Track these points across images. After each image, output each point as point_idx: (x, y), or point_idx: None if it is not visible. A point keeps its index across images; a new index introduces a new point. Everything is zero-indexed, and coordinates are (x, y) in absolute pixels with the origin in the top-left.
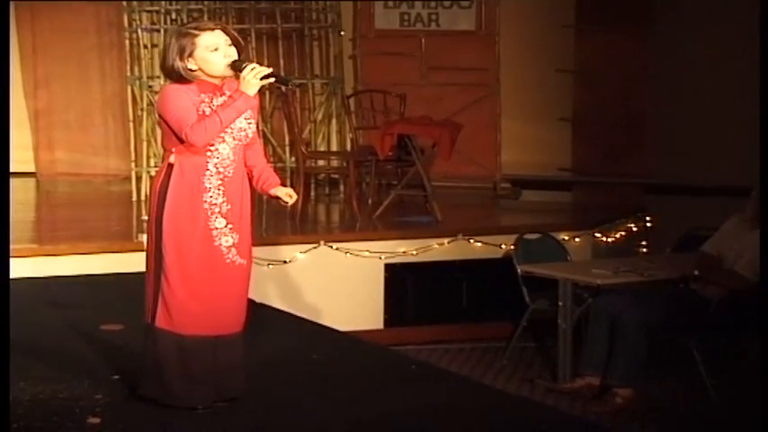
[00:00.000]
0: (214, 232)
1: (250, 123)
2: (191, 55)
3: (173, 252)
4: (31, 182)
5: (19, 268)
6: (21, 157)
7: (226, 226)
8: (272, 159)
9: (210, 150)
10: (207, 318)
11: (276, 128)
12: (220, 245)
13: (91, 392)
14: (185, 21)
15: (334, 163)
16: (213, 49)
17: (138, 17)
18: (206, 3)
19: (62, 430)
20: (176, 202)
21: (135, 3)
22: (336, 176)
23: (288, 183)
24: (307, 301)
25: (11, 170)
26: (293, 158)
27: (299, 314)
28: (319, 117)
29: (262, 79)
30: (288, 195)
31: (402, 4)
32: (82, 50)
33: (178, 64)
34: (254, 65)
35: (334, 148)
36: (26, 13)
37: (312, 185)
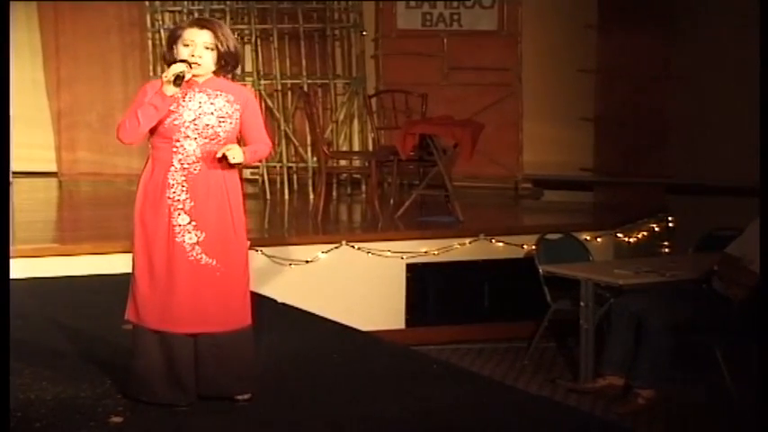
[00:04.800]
0: (176, 228)
1: (222, 122)
2: (175, 45)
3: (138, 245)
4: (53, 182)
5: (41, 267)
6: (43, 156)
7: (189, 223)
8: (293, 159)
9: (176, 146)
10: (171, 314)
11: (298, 128)
12: (183, 242)
13: (113, 392)
14: None
15: (356, 163)
16: (186, 45)
17: (160, 17)
18: (228, 3)
19: (84, 429)
20: (143, 196)
21: (157, 3)
22: (358, 176)
23: (309, 182)
24: (328, 301)
25: (33, 170)
26: (315, 158)
27: (320, 313)
28: (341, 117)
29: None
30: (229, 151)
31: (424, 4)
32: (104, 51)
33: (165, 51)
34: (177, 65)
35: (355, 148)
36: (49, 13)
37: (334, 185)
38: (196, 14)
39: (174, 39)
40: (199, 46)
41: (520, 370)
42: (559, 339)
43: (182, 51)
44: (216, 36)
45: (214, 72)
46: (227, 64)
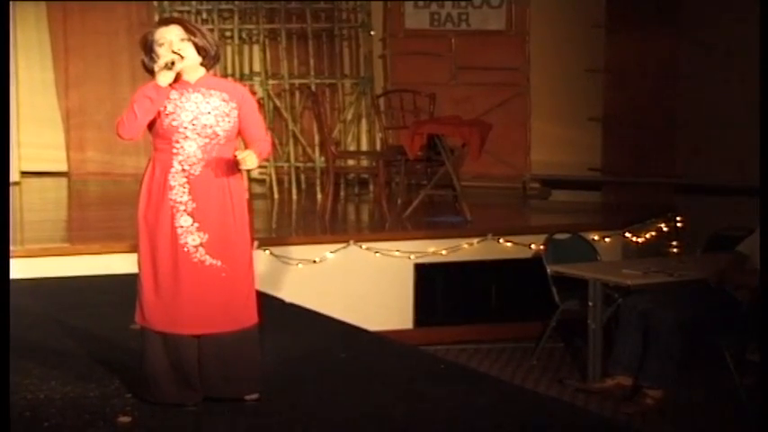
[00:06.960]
0: (179, 230)
1: (220, 121)
2: (152, 50)
3: (142, 247)
4: (63, 181)
5: (50, 267)
6: (53, 156)
7: (192, 225)
8: (301, 159)
9: (176, 148)
10: (176, 316)
11: (306, 128)
12: (186, 243)
13: (121, 391)
14: (216, 21)
15: (364, 163)
16: (160, 45)
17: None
18: (237, 2)
19: (93, 429)
20: (146, 198)
21: (166, 3)
22: (366, 176)
23: (317, 182)
24: (336, 301)
25: (44, 170)
26: (323, 158)
27: (327, 313)
28: (349, 117)
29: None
30: (242, 157)
31: (432, 4)
32: (113, 51)
33: (144, 59)
34: (168, 54)
35: (363, 147)
36: (59, 14)
37: (342, 185)
38: (204, 14)
39: (148, 45)
40: (174, 41)
41: (528, 370)
42: (567, 339)
43: (159, 52)
44: (185, 29)
45: (203, 67)
46: (207, 55)
